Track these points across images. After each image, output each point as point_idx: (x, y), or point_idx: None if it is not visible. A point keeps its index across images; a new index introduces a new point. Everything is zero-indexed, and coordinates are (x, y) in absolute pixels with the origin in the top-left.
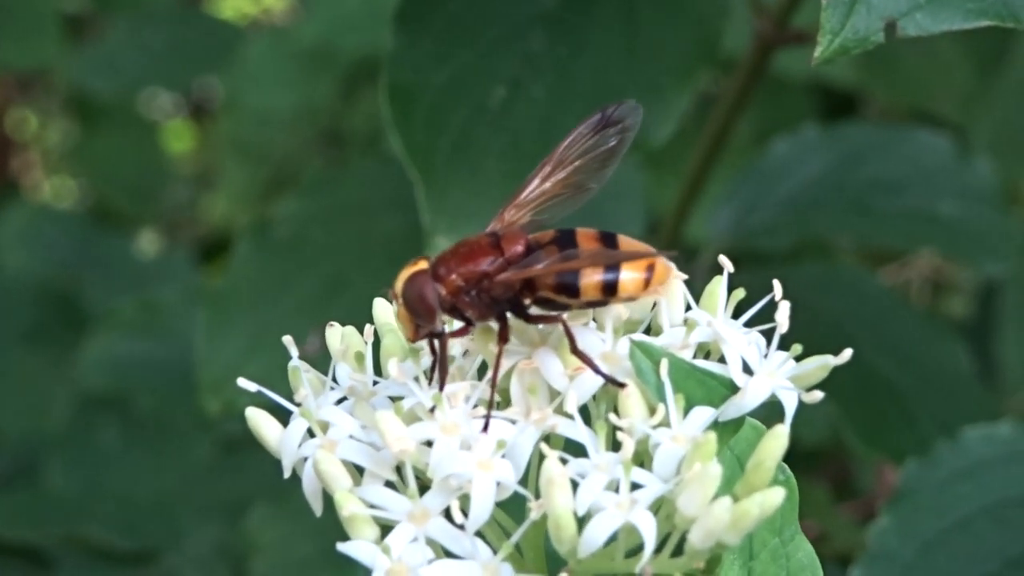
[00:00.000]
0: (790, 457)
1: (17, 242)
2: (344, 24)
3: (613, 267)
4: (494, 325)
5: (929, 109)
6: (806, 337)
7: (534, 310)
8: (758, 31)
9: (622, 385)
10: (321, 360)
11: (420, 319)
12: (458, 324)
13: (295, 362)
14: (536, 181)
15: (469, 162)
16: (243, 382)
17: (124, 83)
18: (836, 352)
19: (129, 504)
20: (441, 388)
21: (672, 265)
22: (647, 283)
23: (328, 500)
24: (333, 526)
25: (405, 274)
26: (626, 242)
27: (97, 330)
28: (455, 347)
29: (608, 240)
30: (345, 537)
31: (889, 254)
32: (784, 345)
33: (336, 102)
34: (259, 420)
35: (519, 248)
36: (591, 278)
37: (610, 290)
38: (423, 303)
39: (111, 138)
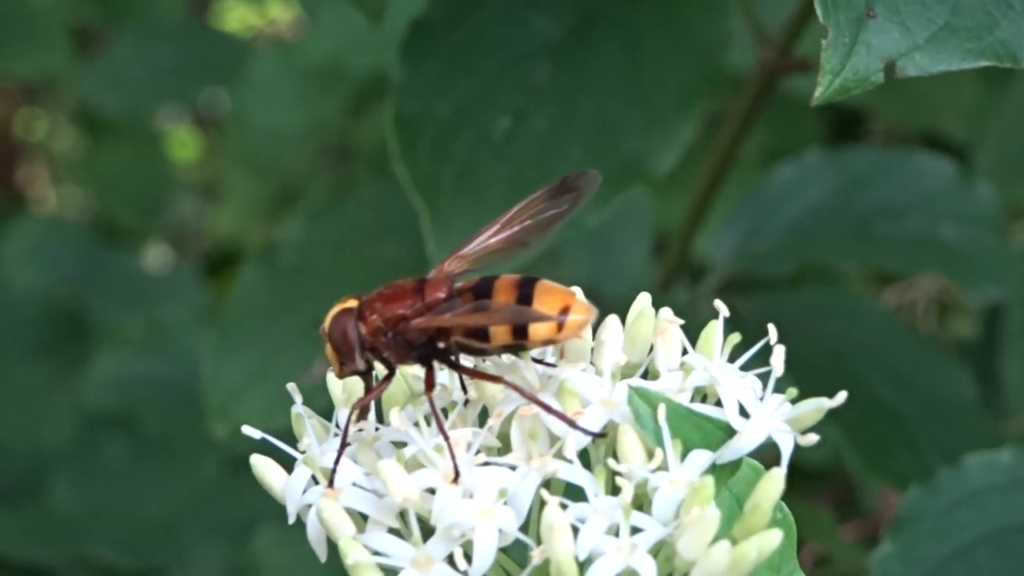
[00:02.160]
0: (793, 479)
1: (24, 257)
2: (351, 43)
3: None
4: (418, 370)
5: (937, 126)
6: (807, 363)
7: (464, 359)
8: (762, 60)
9: (601, 435)
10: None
11: (343, 356)
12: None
13: (299, 408)
14: (483, 236)
15: (473, 191)
16: (248, 430)
17: (132, 99)
18: (838, 378)
19: (134, 523)
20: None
21: (592, 309)
22: (560, 327)
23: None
24: (338, 550)
25: (333, 311)
26: (545, 287)
27: (103, 348)
28: (455, 393)
29: (526, 286)
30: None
31: (894, 275)
32: (786, 377)
33: (344, 118)
34: (263, 467)
35: (440, 295)
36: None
37: (521, 334)
38: (345, 341)
39: (117, 151)
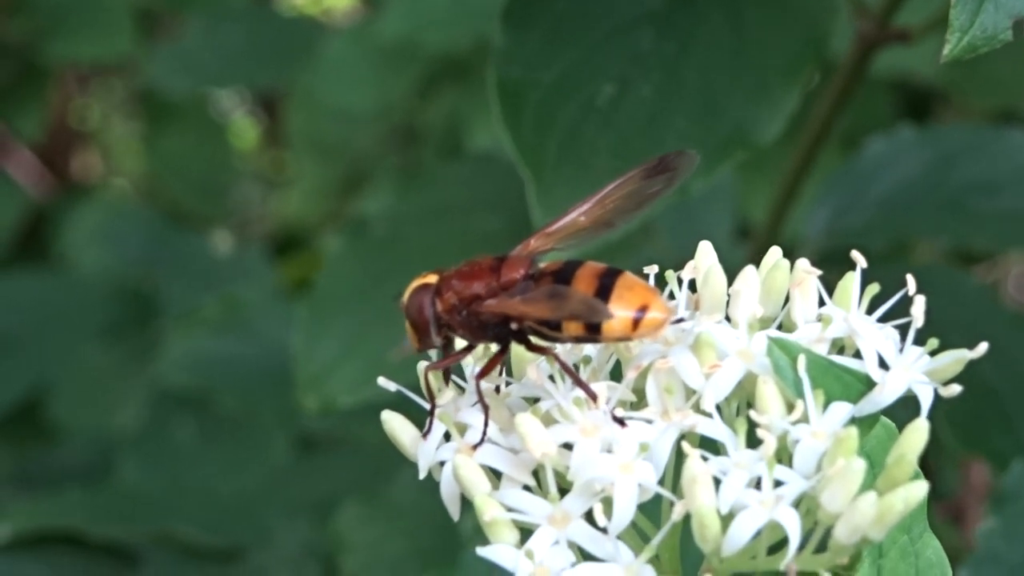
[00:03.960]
0: None
1: (92, 240)
2: (426, 20)
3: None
4: (493, 347)
5: (1014, 107)
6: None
7: (537, 340)
8: (860, 31)
9: None
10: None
11: (419, 332)
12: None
13: (435, 366)
14: (572, 214)
15: (578, 160)
16: (383, 381)
17: (201, 82)
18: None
19: (211, 502)
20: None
21: (672, 309)
22: (636, 324)
23: (424, 502)
24: (425, 526)
25: (412, 286)
26: (627, 282)
27: (178, 328)
28: (587, 348)
29: (608, 277)
30: (435, 538)
31: (978, 254)
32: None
33: (413, 99)
34: (395, 423)
35: (516, 275)
36: None
37: (594, 328)
38: (420, 316)
39: (181, 136)
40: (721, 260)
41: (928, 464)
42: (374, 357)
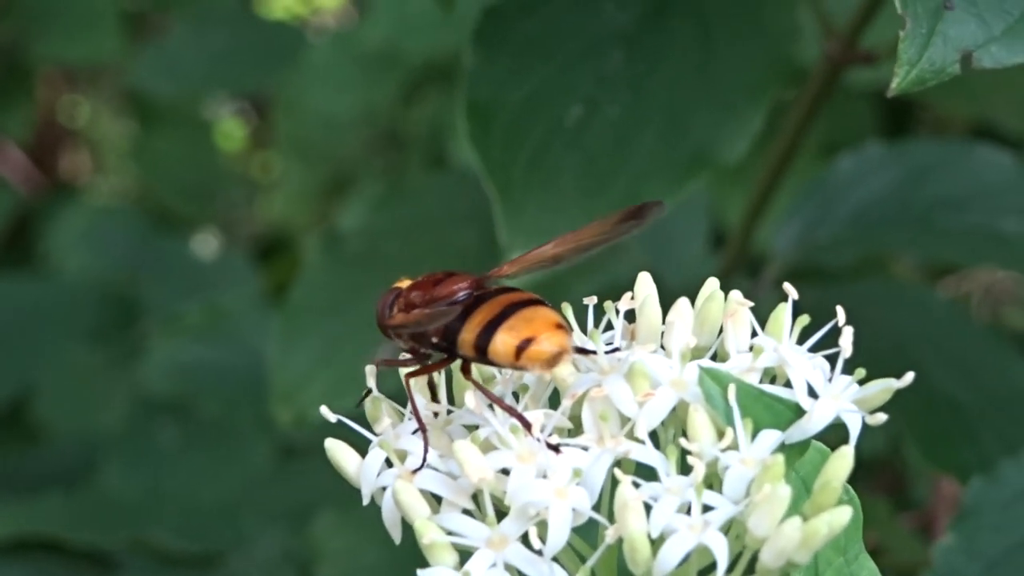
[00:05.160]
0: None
1: (77, 242)
2: (409, 26)
3: (489, 328)
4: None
5: (989, 117)
6: (868, 353)
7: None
8: (827, 52)
9: None
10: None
11: (382, 332)
12: None
13: (376, 394)
14: (549, 245)
15: (545, 179)
16: (325, 411)
17: (186, 85)
18: (899, 368)
19: (191, 507)
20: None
21: (567, 350)
22: (519, 351)
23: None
24: (401, 536)
25: (392, 286)
26: (528, 315)
27: (162, 334)
28: (527, 375)
29: (514, 307)
30: (414, 547)
31: (948, 267)
32: (848, 367)
33: (396, 105)
34: (338, 451)
35: (448, 289)
36: (467, 333)
37: (481, 349)
38: (379, 316)
39: (168, 138)
40: (694, 271)
41: (896, 476)
42: (348, 370)
